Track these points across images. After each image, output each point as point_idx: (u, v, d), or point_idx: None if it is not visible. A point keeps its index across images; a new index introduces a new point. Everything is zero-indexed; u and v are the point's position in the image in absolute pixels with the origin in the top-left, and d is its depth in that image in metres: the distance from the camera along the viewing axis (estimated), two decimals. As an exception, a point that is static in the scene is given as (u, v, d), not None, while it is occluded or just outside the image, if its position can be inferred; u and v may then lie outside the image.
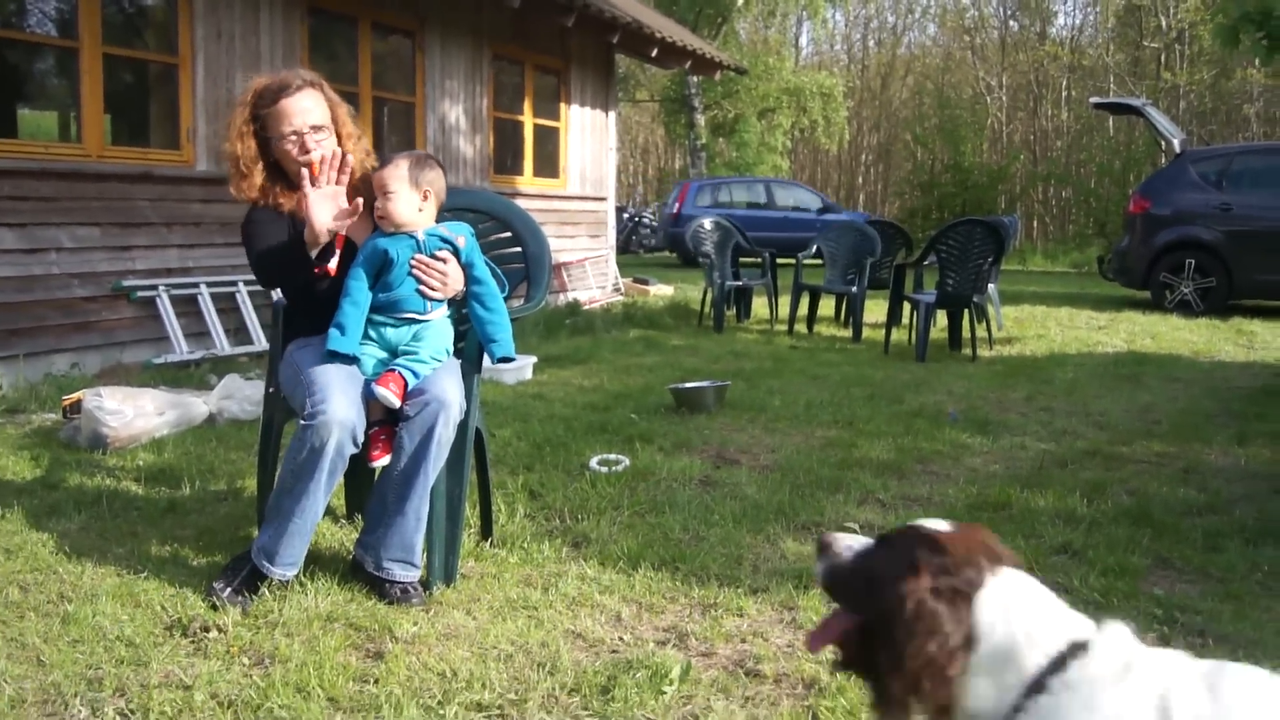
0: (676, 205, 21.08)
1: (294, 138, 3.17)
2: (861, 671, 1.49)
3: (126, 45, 7.64)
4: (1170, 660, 1.36)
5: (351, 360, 3.12)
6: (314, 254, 3.14)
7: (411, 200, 3.18)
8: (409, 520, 3.13)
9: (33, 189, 6.65)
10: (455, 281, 3.23)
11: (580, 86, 12.97)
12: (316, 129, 3.19)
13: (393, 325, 3.20)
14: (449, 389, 3.12)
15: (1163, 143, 14.06)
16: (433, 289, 3.19)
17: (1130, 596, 3.25)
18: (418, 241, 3.19)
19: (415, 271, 3.17)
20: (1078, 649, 1.34)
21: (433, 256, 3.20)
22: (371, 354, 3.18)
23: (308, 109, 3.19)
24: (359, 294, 3.15)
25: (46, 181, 6.75)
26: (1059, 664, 1.32)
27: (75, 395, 5.28)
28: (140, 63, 7.90)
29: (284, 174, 3.27)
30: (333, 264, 3.20)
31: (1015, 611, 1.37)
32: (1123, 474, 4.81)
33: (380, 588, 3.15)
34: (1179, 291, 12.42)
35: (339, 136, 3.29)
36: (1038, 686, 1.31)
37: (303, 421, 2.97)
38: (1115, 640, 1.35)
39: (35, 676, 2.62)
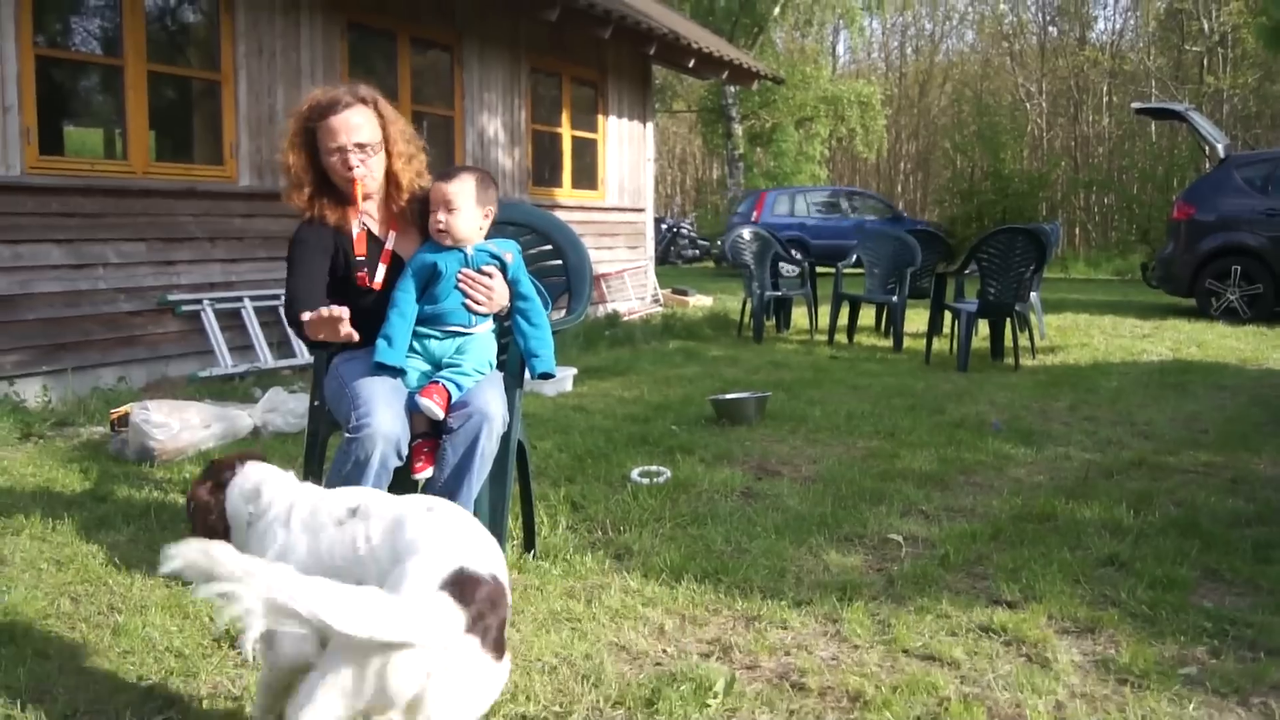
0: (755, 213, 21.36)
1: (338, 153, 3.19)
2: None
3: (170, 62, 7.75)
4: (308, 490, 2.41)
5: (398, 372, 3.15)
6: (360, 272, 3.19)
7: (474, 217, 3.22)
8: None
9: (79, 205, 6.76)
10: (500, 297, 3.26)
11: (618, 98, 13.01)
12: (361, 147, 3.20)
13: (437, 337, 3.22)
14: (492, 401, 3.14)
15: (1206, 148, 13.91)
16: (478, 303, 3.22)
17: (1179, 609, 3.21)
18: (465, 256, 3.22)
19: (461, 285, 3.20)
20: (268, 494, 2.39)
21: (479, 271, 3.22)
22: (416, 366, 3.21)
23: (355, 126, 3.20)
24: (406, 306, 3.18)
25: (92, 198, 6.85)
26: (259, 503, 2.38)
27: (123, 409, 5.34)
28: (183, 79, 8.01)
29: (333, 186, 3.29)
30: (379, 279, 3.23)
31: (243, 481, 2.42)
32: (1170, 484, 4.75)
33: None
34: (1225, 298, 12.27)
35: (390, 155, 3.30)
36: (253, 516, 2.38)
37: (348, 434, 2.99)
38: (284, 488, 2.40)
39: (87, 687, 2.65)
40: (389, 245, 3.26)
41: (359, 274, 3.27)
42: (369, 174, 3.24)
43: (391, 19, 9.38)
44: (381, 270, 3.26)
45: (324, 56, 8.51)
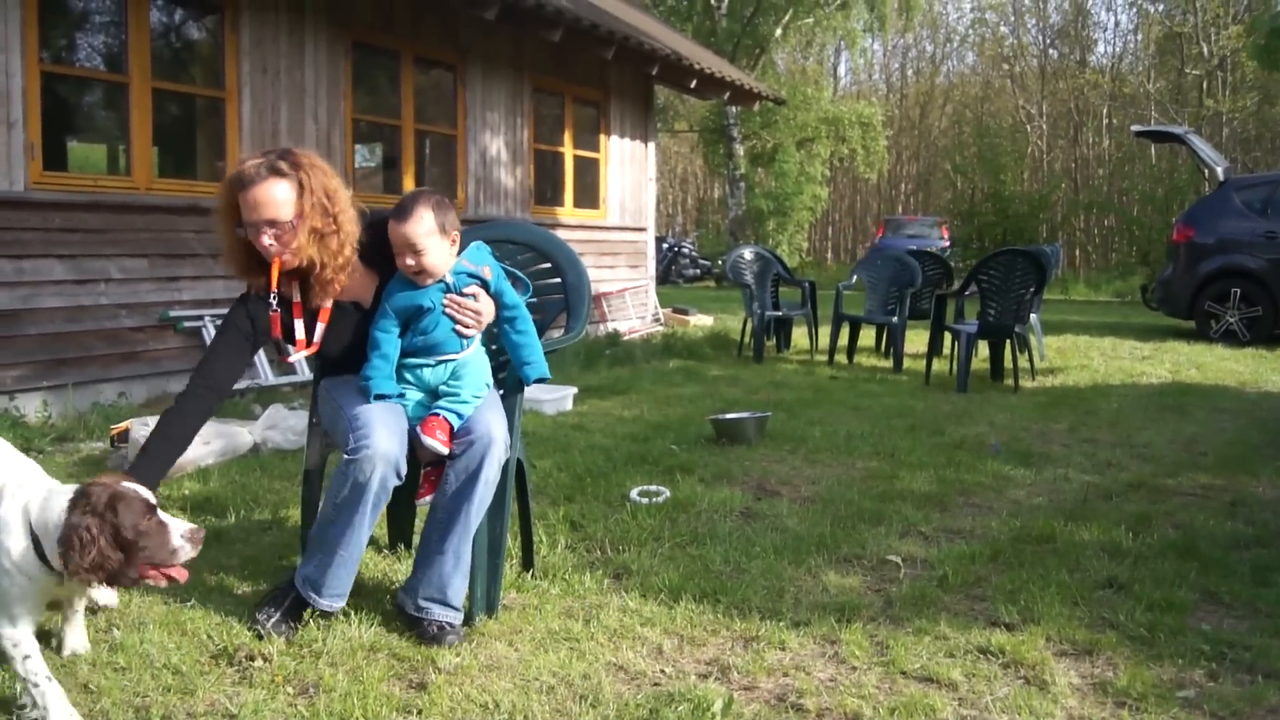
0: (876, 238, 22.43)
1: (252, 229, 3.03)
2: None
3: (174, 79, 7.79)
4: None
5: (397, 397, 3.14)
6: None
7: (444, 249, 3.13)
8: (448, 559, 3.12)
9: (82, 221, 6.78)
10: (488, 314, 3.23)
11: (620, 118, 13.06)
12: (272, 223, 3.01)
13: (430, 365, 3.18)
14: (494, 426, 3.12)
15: (1206, 170, 13.95)
16: (467, 326, 3.18)
17: (1177, 632, 3.21)
18: (447, 283, 3.16)
19: (449, 312, 3.14)
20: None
21: (461, 293, 3.18)
22: (410, 395, 3.18)
23: (265, 202, 2.99)
24: (388, 346, 3.13)
25: (96, 213, 6.88)
26: None
27: (123, 424, 5.36)
28: (188, 97, 8.05)
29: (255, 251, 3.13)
30: (315, 338, 3.18)
31: None
32: (1168, 507, 4.75)
33: (417, 626, 3.13)
34: (1224, 321, 12.28)
35: (306, 227, 3.04)
36: None
37: (346, 456, 2.98)
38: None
39: (84, 704, 2.65)
40: (326, 304, 3.18)
41: (300, 341, 3.18)
42: (284, 250, 3.05)
43: (396, 38, 9.43)
44: (319, 328, 3.19)
45: (328, 75, 8.56)
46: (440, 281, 3.16)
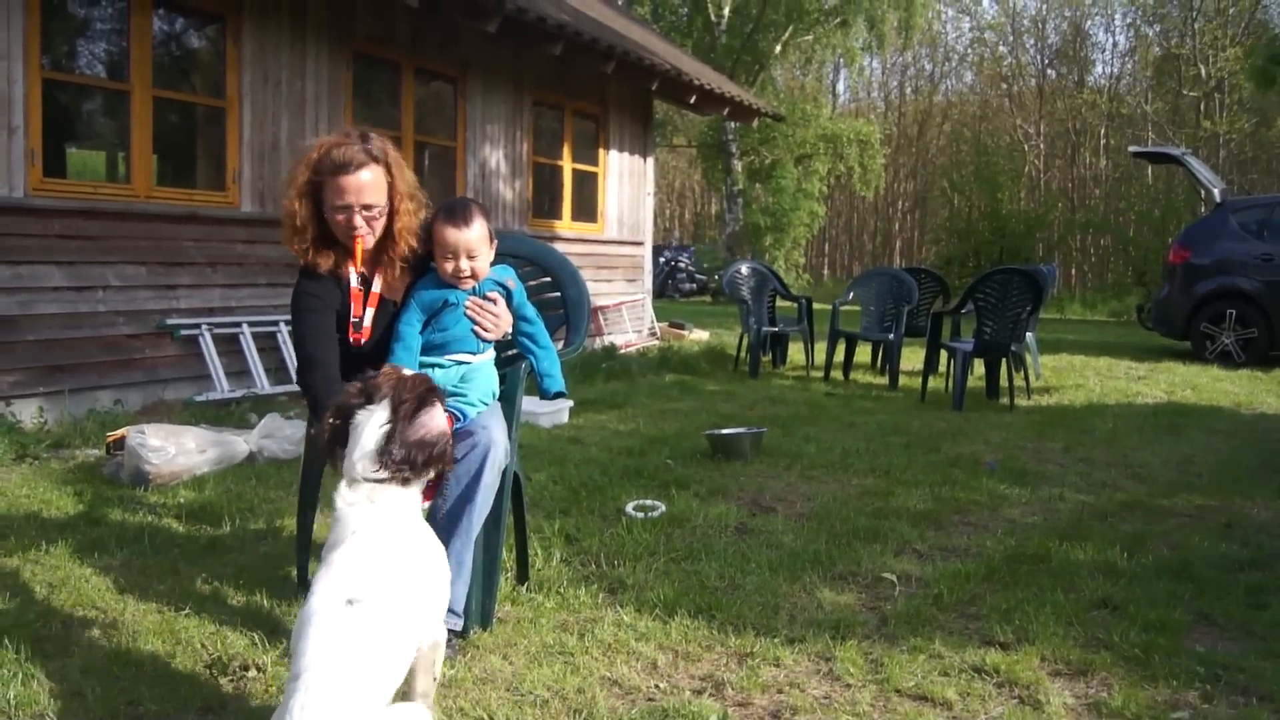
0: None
1: (344, 211, 3.13)
2: None
3: (175, 88, 7.79)
4: None
5: None
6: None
7: (489, 256, 3.24)
8: (450, 564, 3.11)
9: (81, 228, 6.78)
10: (505, 323, 3.28)
11: (619, 132, 13.09)
12: (367, 208, 3.14)
13: (443, 366, 3.21)
14: (495, 432, 3.13)
15: (1203, 192, 14.00)
16: (486, 330, 3.23)
17: (1172, 653, 3.21)
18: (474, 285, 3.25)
19: (470, 313, 3.21)
20: None
21: (485, 298, 3.24)
22: None
23: (364, 187, 3.13)
24: (411, 339, 3.18)
25: (95, 221, 6.88)
26: None
27: (119, 432, 5.35)
28: (188, 105, 8.05)
29: (332, 236, 3.23)
30: (366, 324, 3.23)
31: None
32: (1163, 527, 4.76)
33: None
34: (1220, 342, 12.31)
35: (395, 213, 3.21)
36: None
37: None
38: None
39: (78, 712, 2.64)
40: (376, 289, 3.24)
41: (351, 328, 3.23)
42: (371, 233, 3.19)
43: (397, 50, 9.45)
44: (369, 315, 3.25)
45: (329, 86, 8.57)
46: None
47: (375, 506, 2.36)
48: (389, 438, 2.38)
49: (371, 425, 2.40)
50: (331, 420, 2.48)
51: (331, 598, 2.14)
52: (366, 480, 2.37)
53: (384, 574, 2.24)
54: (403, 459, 2.37)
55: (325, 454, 2.52)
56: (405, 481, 2.40)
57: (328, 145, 3.16)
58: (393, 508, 2.38)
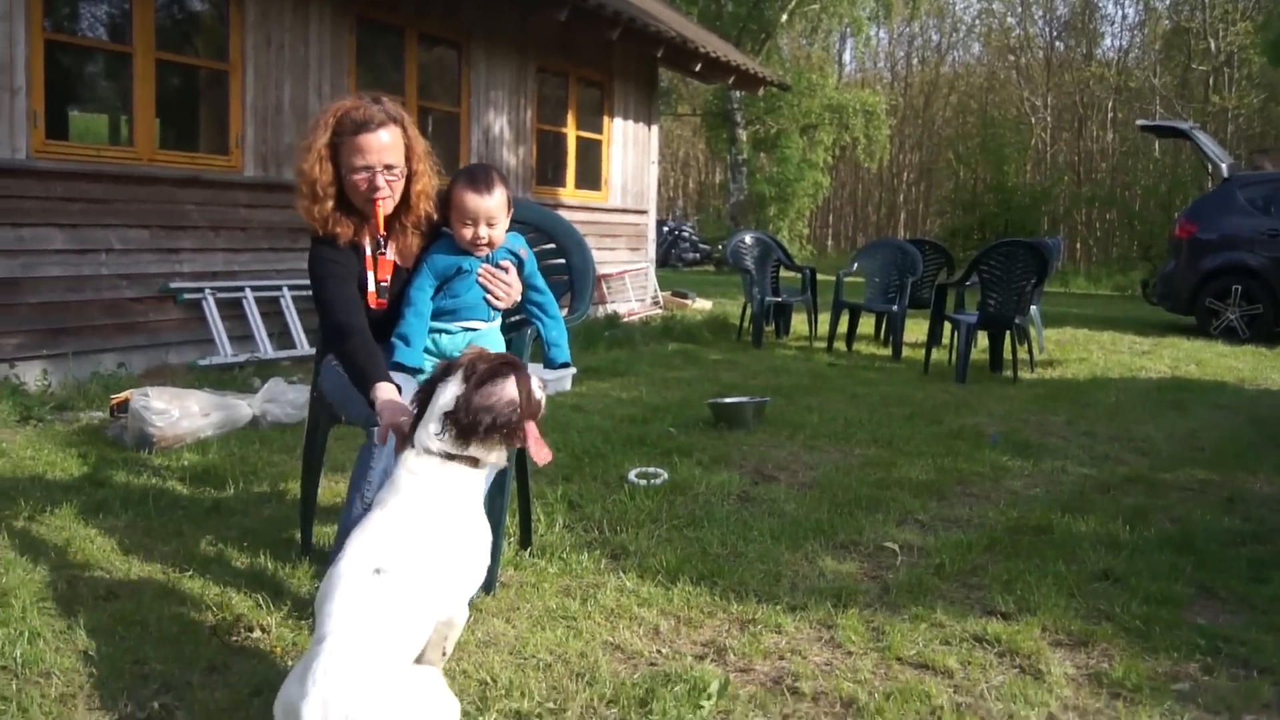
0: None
1: (365, 172, 3.07)
2: None
3: (178, 51, 7.76)
4: None
5: (415, 372, 3.10)
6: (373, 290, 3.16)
7: (506, 224, 3.22)
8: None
9: (83, 190, 6.77)
10: (515, 291, 3.26)
11: (623, 100, 13.03)
12: (389, 168, 3.09)
13: (450, 333, 3.21)
14: None
15: (1210, 166, 13.93)
16: (497, 298, 3.22)
17: (1172, 626, 3.22)
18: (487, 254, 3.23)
19: (483, 280, 3.19)
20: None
21: (497, 266, 3.23)
22: (427, 362, 3.18)
23: (385, 147, 3.08)
24: (423, 305, 3.15)
25: (97, 183, 6.86)
26: None
27: (123, 395, 5.35)
28: (191, 68, 8.02)
29: (347, 201, 3.17)
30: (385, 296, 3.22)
31: None
32: (1165, 501, 4.76)
33: None
34: (1225, 317, 12.29)
35: (413, 175, 3.17)
36: None
37: (377, 443, 2.87)
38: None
39: (83, 670, 2.65)
40: (390, 256, 3.22)
41: (375, 295, 3.19)
42: (392, 196, 3.13)
43: (401, 16, 9.39)
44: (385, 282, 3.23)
45: (332, 51, 8.52)
46: None
47: (434, 480, 2.40)
48: (457, 401, 2.41)
49: (447, 393, 2.44)
50: (418, 396, 2.52)
51: (360, 565, 2.23)
52: (434, 453, 2.41)
53: (415, 549, 2.31)
54: (468, 424, 2.39)
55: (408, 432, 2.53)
56: (474, 463, 2.45)
57: (343, 108, 3.11)
58: (451, 486, 2.42)
